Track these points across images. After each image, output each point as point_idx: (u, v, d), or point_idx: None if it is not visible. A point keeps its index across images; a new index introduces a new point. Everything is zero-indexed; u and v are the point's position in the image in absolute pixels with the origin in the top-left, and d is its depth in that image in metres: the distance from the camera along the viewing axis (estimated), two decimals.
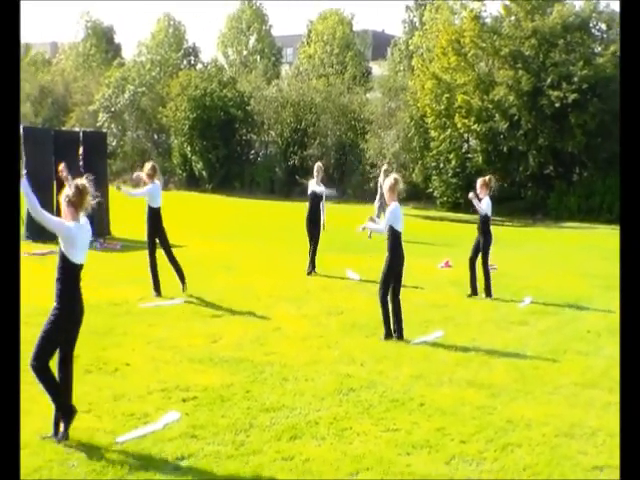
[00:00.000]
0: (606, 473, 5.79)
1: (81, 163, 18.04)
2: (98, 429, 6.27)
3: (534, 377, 8.23)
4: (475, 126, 30.97)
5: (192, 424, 6.45)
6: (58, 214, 6.31)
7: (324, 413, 6.87)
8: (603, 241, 21.95)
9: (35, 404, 5.93)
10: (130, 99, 43.95)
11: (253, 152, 42.56)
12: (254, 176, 40.17)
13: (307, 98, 39.64)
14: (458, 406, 7.18)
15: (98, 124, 43.50)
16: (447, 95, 32.03)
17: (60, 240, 5.94)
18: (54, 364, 6.12)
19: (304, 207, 14.89)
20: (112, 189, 19.67)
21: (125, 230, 18.44)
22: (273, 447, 6.04)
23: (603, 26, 31.74)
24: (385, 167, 22.03)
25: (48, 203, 5.88)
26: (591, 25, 31.74)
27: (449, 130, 32.12)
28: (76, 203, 5.96)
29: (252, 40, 53.71)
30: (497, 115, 30.80)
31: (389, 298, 9.67)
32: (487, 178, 12.80)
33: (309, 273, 14.31)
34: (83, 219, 6.13)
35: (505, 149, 30.93)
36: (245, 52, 53.59)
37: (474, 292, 12.59)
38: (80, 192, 5.96)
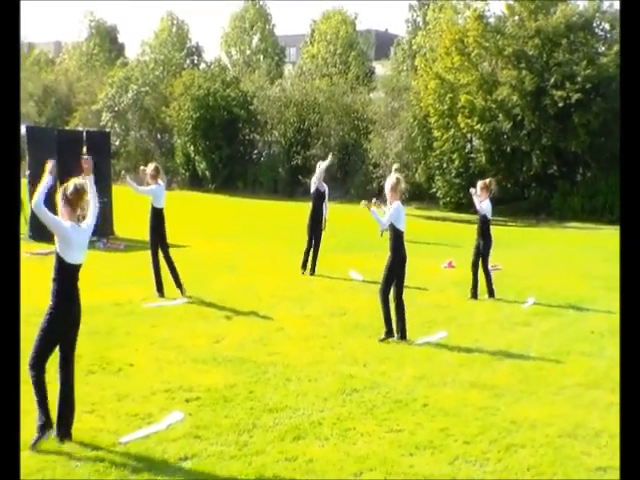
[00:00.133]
0: (609, 474, 5.77)
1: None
2: (101, 429, 6.27)
3: (538, 378, 8.22)
4: (478, 126, 30.95)
5: (195, 424, 6.45)
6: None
7: (327, 413, 6.86)
8: (607, 241, 21.90)
9: (33, 404, 5.91)
10: (133, 99, 43.98)
11: (256, 152, 42.58)
12: (257, 176, 40.19)
13: (310, 98, 39.65)
14: (461, 407, 7.17)
15: (101, 124, 43.54)
16: (450, 95, 32.02)
17: (56, 239, 5.91)
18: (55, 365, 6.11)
19: (307, 207, 14.89)
20: (115, 189, 19.80)
21: (128, 230, 18.45)
22: (276, 447, 6.04)
23: (607, 26, 31.70)
24: (396, 166, 22.02)
25: (51, 202, 5.85)
26: (595, 25, 31.71)
27: (452, 130, 32.11)
28: (73, 202, 5.90)
29: (255, 40, 53.71)
30: (500, 115, 30.78)
31: (392, 298, 9.67)
32: (487, 181, 12.82)
33: (311, 273, 14.28)
34: (90, 218, 6.11)
35: (508, 149, 30.90)
36: (248, 52, 53.58)
37: (474, 296, 12.58)
38: (78, 191, 5.90)
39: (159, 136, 45.77)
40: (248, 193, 38.38)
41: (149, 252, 11.99)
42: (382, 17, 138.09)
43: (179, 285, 11.85)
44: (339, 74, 41.55)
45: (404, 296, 9.80)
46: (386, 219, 9.53)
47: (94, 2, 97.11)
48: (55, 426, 5.96)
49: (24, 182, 18.11)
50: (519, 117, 30.45)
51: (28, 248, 14.92)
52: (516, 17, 32.11)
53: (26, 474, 5.33)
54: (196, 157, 40.58)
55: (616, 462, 5.87)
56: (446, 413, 6.98)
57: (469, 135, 32.78)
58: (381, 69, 44.28)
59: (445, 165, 32.82)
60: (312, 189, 14.55)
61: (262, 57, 52.56)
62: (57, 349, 6.04)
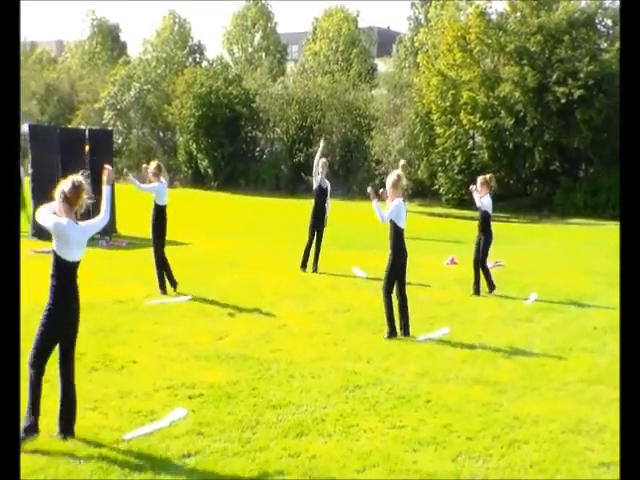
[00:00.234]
0: (613, 470, 5.76)
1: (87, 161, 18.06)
2: (104, 426, 6.27)
3: (540, 374, 8.22)
4: (481, 122, 30.93)
5: (198, 421, 6.45)
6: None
7: (330, 410, 6.86)
8: (609, 237, 21.86)
9: (40, 402, 5.92)
10: (136, 97, 43.98)
11: (258, 149, 42.57)
12: (259, 173, 40.19)
13: (312, 95, 39.63)
14: (464, 403, 7.17)
15: (104, 122, 43.54)
16: (452, 92, 32.00)
17: (53, 237, 5.91)
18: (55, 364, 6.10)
19: (309, 204, 14.89)
20: (118, 187, 19.80)
21: (131, 228, 18.46)
22: (279, 444, 6.04)
23: (609, 22, 31.65)
24: (402, 163, 22.00)
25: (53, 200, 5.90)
26: (597, 21, 31.67)
27: (455, 127, 32.09)
28: (71, 200, 5.87)
29: (257, 37, 53.66)
30: (503, 111, 30.75)
31: (394, 295, 9.66)
32: (488, 176, 12.82)
33: (308, 268, 14.28)
34: (99, 221, 6.13)
35: (511, 145, 30.87)
36: (250, 49, 53.54)
37: (477, 292, 12.58)
38: (76, 189, 5.87)
39: (161, 134, 45.76)
40: (250, 190, 38.38)
41: (151, 249, 12.01)
42: (384, 14, 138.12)
43: (173, 282, 11.91)
44: (341, 71, 41.51)
45: (406, 292, 9.79)
46: (386, 215, 9.48)
47: (96, 1, 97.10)
48: (58, 423, 5.97)
49: (27, 180, 18.20)
50: (521, 113, 30.42)
51: (31, 246, 14.94)
52: (518, 14, 32.06)
53: (29, 472, 5.34)
54: (198, 155, 40.58)
55: (619, 458, 5.88)
56: (449, 409, 6.98)
57: (471, 132, 32.77)
58: (383, 66, 44.24)
59: (447, 162, 32.81)
60: (314, 186, 14.52)
61: (264, 55, 52.52)
62: (57, 347, 6.03)
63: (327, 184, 14.57)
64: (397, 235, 9.51)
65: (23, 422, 5.77)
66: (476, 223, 12.94)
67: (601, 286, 13.71)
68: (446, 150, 32.59)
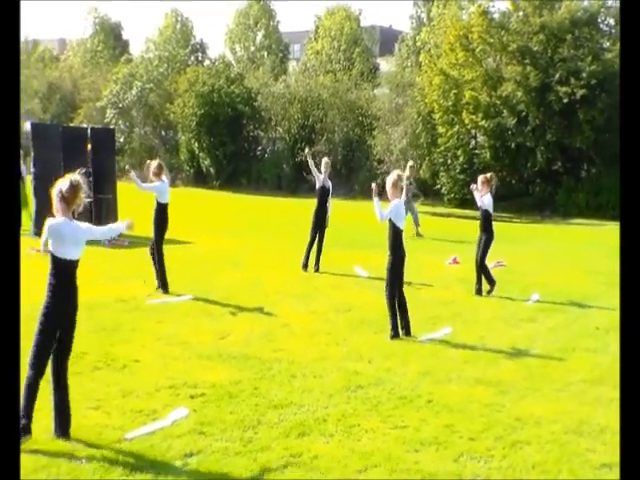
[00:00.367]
0: (615, 471, 5.76)
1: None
2: (107, 425, 6.28)
3: (543, 374, 8.22)
4: (483, 122, 30.87)
5: (200, 421, 6.46)
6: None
7: (332, 410, 6.87)
8: (611, 238, 21.82)
9: (42, 402, 5.93)
10: (138, 95, 43.95)
11: (260, 148, 42.53)
12: (261, 172, 40.15)
13: (314, 94, 39.58)
14: (466, 403, 7.17)
15: (106, 120, 43.53)
16: (455, 91, 31.94)
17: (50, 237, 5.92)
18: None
19: (311, 203, 14.89)
20: (119, 185, 19.83)
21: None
22: (281, 444, 6.05)
23: (612, 21, 31.55)
24: (410, 164, 22.01)
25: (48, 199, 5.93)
26: (599, 20, 31.57)
27: (457, 126, 32.03)
28: (69, 199, 5.88)
29: (259, 36, 53.64)
30: (505, 111, 30.69)
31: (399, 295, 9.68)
32: (488, 175, 12.82)
33: (309, 268, 14.29)
34: (104, 232, 6.15)
35: (513, 145, 30.82)
36: (252, 48, 53.52)
37: (479, 292, 12.58)
38: (74, 188, 5.88)
39: (163, 133, 45.72)
40: (252, 189, 38.36)
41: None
42: (386, 13, 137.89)
43: (163, 283, 11.92)
44: (343, 70, 41.45)
45: (405, 293, 9.79)
46: (385, 214, 9.48)
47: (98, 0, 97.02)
48: (53, 424, 5.95)
49: (29, 179, 18.22)
50: (524, 113, 30.36)
51: (33, 245, 14.93)
52: (520, 13, 31.99)
53: (31, 471, 5.35)
54: (200, 154, 40.56)
55: None
56: (451, 409, 6.98)
57: (473, 131, 32.69)
58: (385, 65, 44.21)
59: (449, 161, 32.75)
60: (317, 185, 14.54)
61: (266, 54, 52.50)
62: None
63: (329, 184, 14.58)
64: (396, 235, 9.51)
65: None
66: (478, 223, 12.93)
67: (603, 286, 13.70)
68: (448, 150, 32.54)
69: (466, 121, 31.28)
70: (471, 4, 36.45)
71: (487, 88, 31.36)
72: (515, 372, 8.25)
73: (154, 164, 11.91)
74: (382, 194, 9.68)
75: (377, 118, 36.49)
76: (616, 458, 5.91)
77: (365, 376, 7.90)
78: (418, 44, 41.31)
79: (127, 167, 11.48)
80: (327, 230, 14.58)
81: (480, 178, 12.75)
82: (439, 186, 33.43)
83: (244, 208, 29.26)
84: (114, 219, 18.69)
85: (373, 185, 9.87)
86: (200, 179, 40.90)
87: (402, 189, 9.67)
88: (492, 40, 31.57)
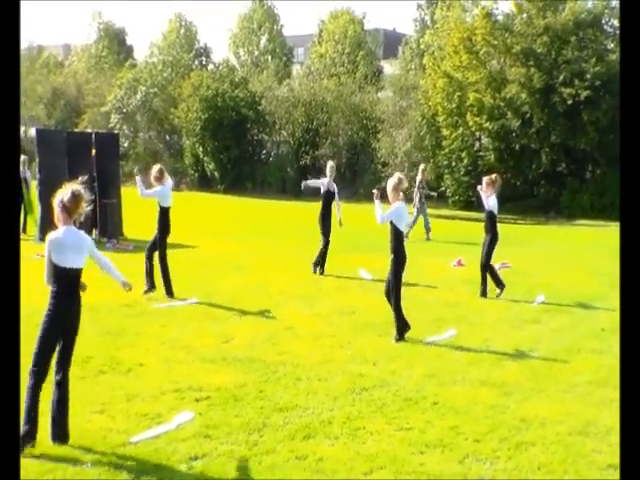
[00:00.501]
0: None
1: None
2: (112, 429, 6.28)
3: (548, 376, 8.20)
4: (487, 124, 30.85)
5: (205, 424, 6.46)
6: None
7: (337, 412, 6.86)
8: (616, 239, 21.73)
9: (43, 405, 5.93)
10: (142, 100, 44.04)
11: (265, 152, 42.56)
12: (265, 176, 40.18)
13: (318, 98, 39.62)
14: (471, 405, 7.16)
15: (110, 125, 43.61)
16: (459, 93, 31.94)
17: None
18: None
19: (315, 207, 14.91)
20: (124, 190, 19.86)
21: (137, 231, 18.48)
22: (286, 447, 6.05)
23: (615, 22, 31.46)
24: (422, 167, 22.04)
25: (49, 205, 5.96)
26: (603, 22, 31.54)
27: (461, 128, 32.02)
28: (70, 209, 5.89)
29: (263, 40, 53.69)
30: (509, 113, 30.67)
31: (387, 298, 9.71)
32: (493, 177, 12.82)
33: (316, 271, 14.30)
34: (105, 263, 6.22)
35: (517, 147, 30.79)
36: (256, 52, 53.57)
37: (484, 294, 12.56)
38: (75, 198, 5.88)
39: (168, 137, 45.79)
40: (257, 193, 38.40)
41: (156, 253, 12.02)
42: (390, 16, 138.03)
43: (151, 283, 11.96)
44: (347, 74, 41.49)
45: (410, 295, 9.79)
46: (385, 216, 9.50)
47: (103, 4, 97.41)
48: (50, 429, 5.91)
49: (34, 184, 18.26)
50: (528, 115, 30.34)
51: (38, 250, 14.96)
52: (524, 15, 31.98)
53: (36, 476, 5.36)
54: (205, 158, 40.60)
55: None
56: (456, 411, 6.97)
57: (478, 133, 32.68)
58: (389, 68, 44.20)
59: (454, 163, 32.73)
60: (322, 190, 14.61)
61: (270, 57, 52.54)
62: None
63: (335, 187, 14.64)
64: (397, 238, 9.53)
65: (21, 430, 5.69)
66: (483, 225, 12.93)
67: (608, 287, 13.66)
68: (452, 152, 32.52)
69: (470, 123, 31.27)
70: (475, 6, 36.44)
71: (491, 90, 31.35)
72: (520, 373, 8.23)
73: (155, 169, 11.95)
74: (384, 197, 9.70)
75: (381, 121, 36.51)
76: None
77: (370, 378, 7.90)
78: (422, 47, 41.30)
79: (135, 169, 11.59)
80: (332, 232, 14.61)
81: (485, 180, 12.77)
82: (443, 188, 33.41)
83: (248, 212, 29.29)
84: (119, 224, 18.76)
85: (374, 191, 9.92)
86: (205, 183, 40.94)
87: (403, 192, 9.69)
88: (496, 42, 31.57)
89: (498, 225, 12.77)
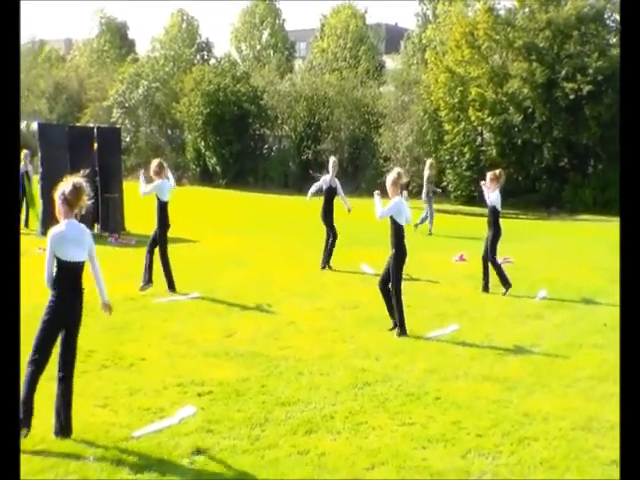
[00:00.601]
0: None
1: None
2: (114, 423, 6.29)
3: (550, 371, 8.20)
4: (489, 119, 30.82)
5: (208, 418, 6.47)
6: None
7: (339, 407, 6.87)
8: (617, 234, 21.75)
9: (48, 400, 5.94)
10: (144, 95, 44.00)
11: (267, 147, 42.52)
12: (267, 171, 40.15)
13: (320, 92, 39.57)
14: (474, 400, 7.16)
15: (112, 120, 43.59)
16: (461, 88, 31.89)
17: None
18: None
19: (317, 202, 14.91)
20: (126, 185, 19.86)
21: (140, 225, 18.47)
22: (289, 441, 6.05)
23: (618, 17, 31.39)
24: (430, 162, 22.00)
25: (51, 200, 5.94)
26: (606, 16, 31.44)
27: (463, 123, 31.98)
28: (72, 202, 5.90)
29: (265, 35, 53.61)
30: (511, 108, 30.63)
31: (388, 289, 9.71)
32: (497, 172, 12.79)
33: (323, 267, 14.36)
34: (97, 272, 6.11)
35: (519, 142, 30.75)
36: (258, 47, 53.50)
37: (486, 289, 12.55)
38: (76, 190, 5.88)
39: (170, 132, 45.75)
40: (259, 188, 38.37)
41: (157, 247, 12.01)
42: (392, 11, 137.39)
43: (148, 278, 11.95)
44: (349, 68, 41.44)
45: (412, 290, 9.79)
46: (384, 211, 9.52)
47: (103, 3, 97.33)
48: (54, 423, 5.93)
49: (36, 179, 18.25)
50: (530, 110, 30.30)
51: (40, 244, 14.97)
52: (526, 9, 31.91)
53: (38, 470, 5.37)
54: (207, 152, 40.57)
55: None
56: (458, 406, 6.98)
57: (480, 128, 32.65)
58: (391, 63, 44.13)
59: (456, 158, 32.69)
60: (324, 187, 14.68)
61: (272, 52, 52.46)
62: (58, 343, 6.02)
63: (337, 183, 14.69)
64: (397, 232, 9.54)
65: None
66: (485, 220, 12.91)
67: (610, 283, 13.63)
68: (454, 147, 32.48)
69: (472, 118, 31.23)
70: (477, 1, 36.35)
71: (493, 85, 31.30)
72: (522, 368, 8.23)
73: (154, 163, 11.92)
74: (384, 192, 9.74)
75: (383, 116, 36.47)
76: None
77: (372, 373, 7.90)
78: (424, 41, 41.26)
79: (140, 164, 11.70)
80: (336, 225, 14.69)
81: (489, 175, 12.74)
82: (445, 183, 33.38)
83: (250, 206, 29.27)
84: (121, 218, 18.75)
85: (376, 192, 9.98)
86: (206, 178, 40.92)
87: (402, 187, 9.71)
88: (498, 37, 31.52)
89: (500, 220, 12.76)
